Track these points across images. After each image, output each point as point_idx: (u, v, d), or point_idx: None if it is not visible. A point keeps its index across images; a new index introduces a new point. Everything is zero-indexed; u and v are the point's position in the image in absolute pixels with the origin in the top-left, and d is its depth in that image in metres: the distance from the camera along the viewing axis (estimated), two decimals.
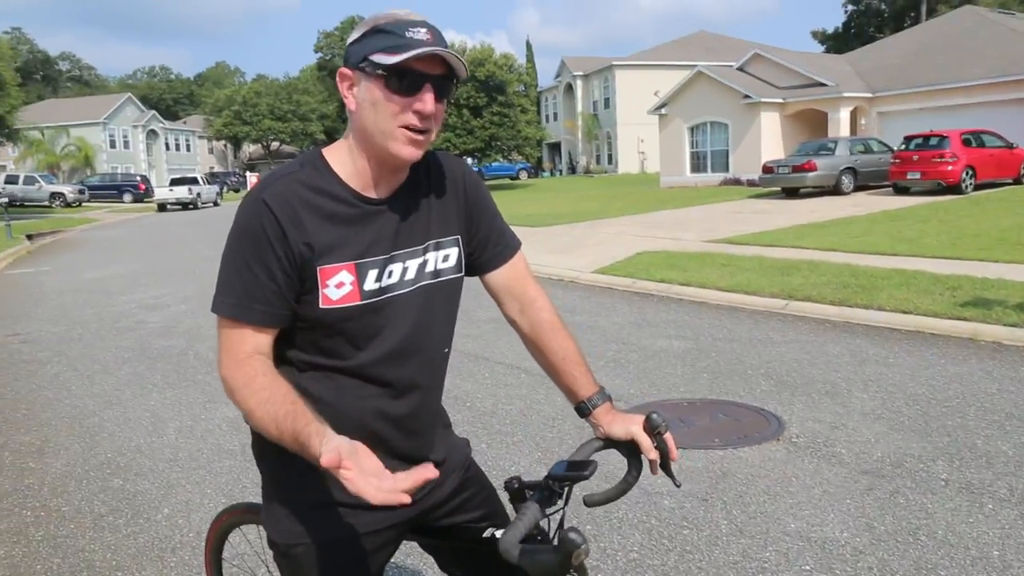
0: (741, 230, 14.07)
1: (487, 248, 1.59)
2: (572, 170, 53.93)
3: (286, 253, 1.33)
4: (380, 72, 1.30)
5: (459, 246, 1.54)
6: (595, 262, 11.34)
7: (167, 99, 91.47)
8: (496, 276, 1.62)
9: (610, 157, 50.44)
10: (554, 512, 1.41)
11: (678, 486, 1.55)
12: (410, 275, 1.46)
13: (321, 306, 1.36)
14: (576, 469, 1.41)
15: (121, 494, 3.96)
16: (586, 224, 17.22)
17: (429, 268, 1.49)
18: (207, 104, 72.66)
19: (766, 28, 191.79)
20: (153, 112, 66.14)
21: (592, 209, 21.17)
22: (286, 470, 1.44)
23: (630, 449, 1.50)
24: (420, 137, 1.35)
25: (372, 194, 1.41)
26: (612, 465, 1.69)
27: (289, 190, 1.36)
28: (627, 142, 48.16)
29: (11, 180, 38.97)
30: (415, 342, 1.47)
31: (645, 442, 1.47)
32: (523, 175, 50.65)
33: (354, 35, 1.36)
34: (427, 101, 1.32)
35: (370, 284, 1.40)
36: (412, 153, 1.36)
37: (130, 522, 3.64)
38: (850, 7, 60.21)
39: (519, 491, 1.45)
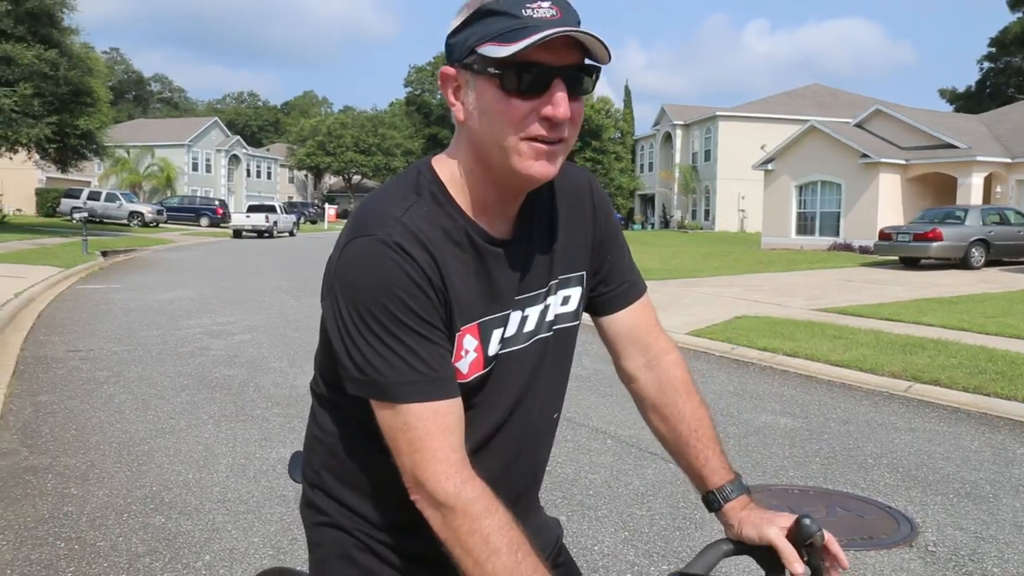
0: (854, 300, 13.46)
1: (612, 284, 1.36)
2: (665, 224, 53.46)
3: (441, 305, 1.11)
4: (492, 70, 1.05)
5: (583, 285, 1.31)
6: (689, 323, 10.97)
7: (252, 126, 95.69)
8: (619, 320, 1.39)
9: (707, 213, 49.83)
10: None
11: None
12: (530, 325, 1.22)
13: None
14: None
15: (162, 533, 3.83)
16: (679, 282, 16.81)
17: (549, 316, 1.26)
18: (292, 132, 75.68)
19: (893, 86, 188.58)
20: (237, 138, 69.13)
21: (686, 266, 20.73)
22: (363, 553, 1.21)
23: (770, 559, 1.23)
24: (553, 148, 1.08)
25: (495, 229, 1.18)
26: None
27: (419, 230, 1.10)
28: (727, 198, 47.52)
29: (93, 196, 41.12)
30: (521, 412, 1.24)
31: (787, 552, 1.19)
32: None
33: (455, 22, 1.10)
34: (559, 103, 1.05)
35: (493, 346, 1.17)
36: (545, 170, 1.09)
37: (167, 566, 3.49)
38: (987, 64, 57.92)
39: None
